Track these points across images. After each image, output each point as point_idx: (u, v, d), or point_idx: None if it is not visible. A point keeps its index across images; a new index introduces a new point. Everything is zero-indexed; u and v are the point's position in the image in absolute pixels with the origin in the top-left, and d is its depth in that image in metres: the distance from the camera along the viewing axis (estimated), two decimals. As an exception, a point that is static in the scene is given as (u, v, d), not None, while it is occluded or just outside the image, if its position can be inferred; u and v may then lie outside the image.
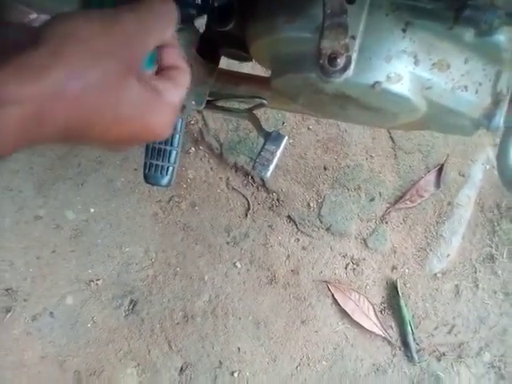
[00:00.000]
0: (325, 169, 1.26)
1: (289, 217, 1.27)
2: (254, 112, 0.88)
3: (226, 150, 1.24)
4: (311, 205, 1.26)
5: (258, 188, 1.27)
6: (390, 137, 1.28)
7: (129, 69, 0.32)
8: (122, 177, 1.26)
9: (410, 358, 1.26)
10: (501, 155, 0.79)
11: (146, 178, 0.80)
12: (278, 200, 1.26)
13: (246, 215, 1.26)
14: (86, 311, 1.24)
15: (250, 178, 1.26)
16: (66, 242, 1.24)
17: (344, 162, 1.26)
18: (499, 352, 1.28)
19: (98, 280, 1.24)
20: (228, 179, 1.26)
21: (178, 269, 1.26)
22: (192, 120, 1.25)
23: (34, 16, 1.04)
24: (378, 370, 1.26)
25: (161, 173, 0.80)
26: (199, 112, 1.25)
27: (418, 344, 1.27)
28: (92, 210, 1.25)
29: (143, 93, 0.33)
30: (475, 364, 1.28)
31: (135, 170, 1.26)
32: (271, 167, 0.84)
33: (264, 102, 0.78)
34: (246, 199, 1.26)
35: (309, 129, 1.26)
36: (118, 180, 1.26)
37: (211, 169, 1.26)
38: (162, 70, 0.38)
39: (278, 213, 1.27)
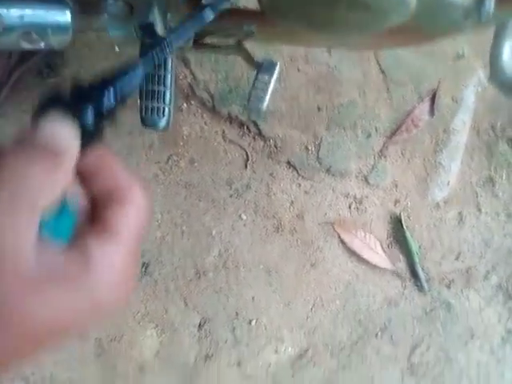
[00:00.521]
0: (319, 109, 1.25)
1: (288, 163, 1.27)
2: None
3: (218, 102, 1.23)
4: (309, 148, 1.26)
5: (254, 137, 1.26)
6: (381, 70, 1.28)
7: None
8: (118, 141, 1.24)
9: (420, 288, 1.29)
10: (493, 57, 0.79)
11: (143, 122, 0.80)
12: (275, 147, 1.26)
13: (246, 166, 1.26)
14: (98, 278, 1.24)
15: (245, 128, 1.26)
16: (69, 213, 1.24)
17: (337, 100, 1.26)
18: (506, 273, 1.31)
19: (106, 246, 1.24)
20: (224, 132, 1.26)
21: (184, 227, 1.26)
22: (180, 75, 1.23)
23: None
24: (390, 303, 1.29)
25: (157, 115, 0.80)
26: (186, 66, 1.23)
27: (426, 274, 1.29)
28: (91, 178, 1.25)
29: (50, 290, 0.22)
30: (483, 288, 1.31)
31: (130, 133, 1.25)
32: (267, 98, 0.84)
33: (252, 29, 0.77)
34: (244, 150, 1.26)
35: (298, 70, 1.24)
36: (115, 145, 1.24)
37: (205, 123, 1.25)
38: (95, 221, 0.25)
39: (277, 160, 1.27)
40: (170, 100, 0.81)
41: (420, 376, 1.27)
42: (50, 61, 1.24)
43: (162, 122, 0.80)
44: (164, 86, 0.80)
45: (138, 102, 0.82)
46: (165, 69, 0.79)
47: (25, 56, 1.20)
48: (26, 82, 1.23)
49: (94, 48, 1.24)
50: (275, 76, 0.85)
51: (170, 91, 0.80)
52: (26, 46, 0.84)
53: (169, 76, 0.80)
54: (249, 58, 0.89)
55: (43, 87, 1.24)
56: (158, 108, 0.80)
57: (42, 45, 0.86)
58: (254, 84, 0.85)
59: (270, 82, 0.84)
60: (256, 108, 0.83)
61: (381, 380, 1.26)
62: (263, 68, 0.84)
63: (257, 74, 0.84)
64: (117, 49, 1.24)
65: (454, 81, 1.33)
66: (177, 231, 1.26)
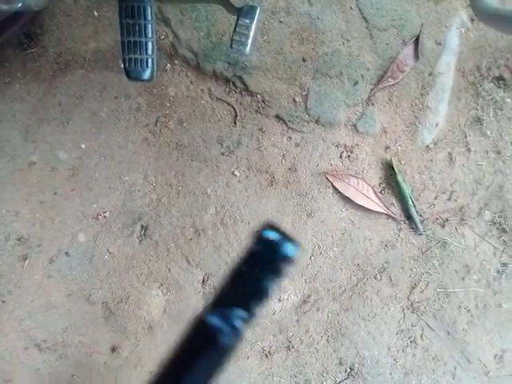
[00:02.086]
0: (304, 60, 1.25)
1: (277, 116, 1.27)
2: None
3: (202, 59, 1.23)
4: (297, 100, 1.27)
5: (241, 93, 1.26)
6: (363, 17, 1.27)
7: None
8: (105, 107, 1.25)
9: (415, 229, 1.32)
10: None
11: (128, 74, 0.80)
12: (263, 101, 1.27)
13: (235, 123, 1.27)
14: (100, 244, 1.27)
15: (231, 84, 1.26)
16: (65, 183, 1.25)
17: (321, 50, 1.25)
18: (498, 208, 1.34)
19: (104, 213, 1.26)
20: (210, 89, 1.26)
21: (179, 188, 1.28)
22: (162, 35, 1.22)
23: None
24: (386, 245, 1.32)
25: (141, 66, 0.80)
26: (167, 25, 1.22)
27: (420, 215, 1.32)
28: (83, 146, 1.25)
29: None
30: (478, 224, 1.34)
31: (116, 97, 1.25)
32: (249, 41, 0.84)
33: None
34: (232, 106, 1.26)
35: (280, 22, 1.24)
36: (102, 111, 1.25)
37: (191, 82, 1.25)
38: None
39: (266, 114, 1.27)
40: (153, 50, 0.81)
41: (421, 313, 1.31)
42: (29, 31, 1.22)
43: (147, 73, 0.81)
44: (145, 36, 0.80)
45: (121, 55, 0.82)
46: (144, 18, 0.79)
47: (3, 27, 1.18)
48: (6, 54, 1.22)
49: (72, 14, 1.23)
50: (256, 20, 0.85)
51: (152, 41, 0.81)
52: (3, 6, 0.84)
53: (149, 26, 0.80)
54: (228, 5, 0.89)
55: (24, 58, 1.23)
56: (142, 59, 0.80)
57: (19, 5, 0.85)
58: (235, 29, 0.85)
59: (251, 26, 0.84)
60: (239, 52, 0.83)
61: (383, 319, 1.31)
62: (244, 12, 0.84)
63: (238, 18, 0.85)
64: (95, 13, 1.23)
65: (437, 23, 1.32)
66: (172, 192, 1.27)
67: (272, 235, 0.22)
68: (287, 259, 0.21)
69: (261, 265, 0.21)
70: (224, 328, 0.20)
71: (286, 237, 0.22)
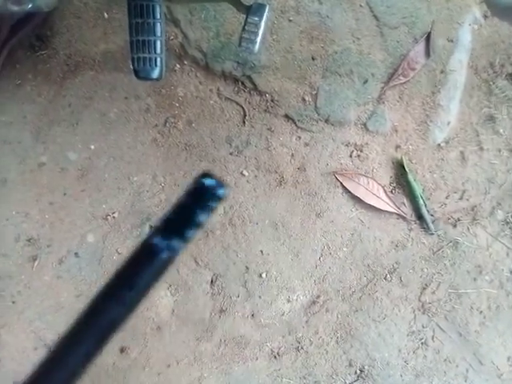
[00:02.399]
0: (313, 59, 1.24)
1: (286, 116, 1.27)
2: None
3: (211, 59, 1.23)
4: (306, 99, 1.26)
5: (250, 93, 1.26)
6: (373, 15, 1.26)
7: None
8: (115, 108, 1.25)
9: (426, 229, 1.30)
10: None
11: (137, 73, 0.80)
12: (272, 101, 1.26)
13: (244, 122, 1.27)
14: (108, 245, 1.27)
15: (240, 84, 1.25)
16: (74, 183, 1.26)
17: (331, 48, 1.24)
18: (511, 208, 1.32)
19: (113, 213, 1.27)
20: (219, 89, 1.25)
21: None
22: (171, 35, 1.22)
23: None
24: (397, 246, 1.30)
25: (150, 65, 0.80)
26: (176, 25, 1.22)
27: (432, 215, 1.30)
28: (92, 147, 1.26)
29: None
30: (490, 223, 1.32)
31: (125, 98, 1.25)
32: (258, 40, 0.83)
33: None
34: (241, 106, 1.26)
35: (290, 21, 1.23)
36: (111, 112, 1.25)
37: (200, 82, 1.25)
38: None
39: (275, 113, 1.26)
40: (162, 49, 0.81)
41: (432, 314, 1.29)
42: (40, 33, 1.23)
43: (156, 72, 0.81)
44: (154, 35, 0.79)
45: (130, 54, 0.82)
46: (153, 17, 0.78)
47: (15, 30, 1.19)
48: (17, 56, 1.23)
49: (82, 16, 1.24)
50: (265, 18, 0.85)
51: (161, 40, 0.80)
52: (14, 8, 0.84)
53: (158, 25, 0.80)
54: (237, 4, 0.88)
55: (35, 60, 1.24)
56: (150, 58, 0.80)
57: (30, 6, 0.85)
58: (244, 27, 0.84)
59: (260, 24, 0.83)
60: (248, 50, 0.83)
61: (393, 320, 1.29)
62: (253, 10, 0.84)
63: (246, 16, 0.84)
64: (105, 15, 1.24)
65: (449, 20, 1.31)
66: (181, 192, 1.27)
67: (208, 181, 0.29)
68: (218, 198, 0.29)
69: (196, 202, 0.29)
70: (162, 245, 0.27)
71: (218, 183, 0.29)
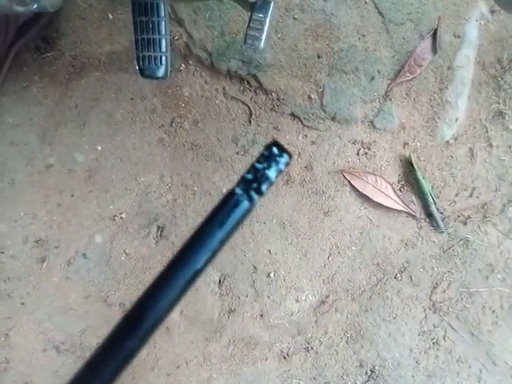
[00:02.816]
0: (319, 57, 1.23)
1: (292, 114, 1.26)
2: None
3: (216, 59, 1.22)
4: (312, 97, 1.25)
5: (256, 91, 1.25)
6: (379, 11, 1.25)
7: None
8: (121, 109, 1.25)
9: (436, 227, 1.28)
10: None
11: (142, 72, 0.80)
12: (278, 99, 1.25)
13: (250, 121, 1.26)
14: (116, 246, 1.27)
15: (246, 82, 1.25)
16: (82, 184, 1.26)
17: (337, 46, 1.24)
18: (523, 205, 1.30)
19: (121, 214, 1.26)
20: (224, 89, 1.25)
21: (195, 188, 1.27)
22: (175, 35, 1.22)
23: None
24: (406, 244, 1.29)
25: (155, 63, 0.80)
26: (181, 25, 1.22)
27: (441, 213, 1.29)
28: (99, 148, 1.26)
29: None
30: (501, 221, 1.30)
31: (131, 99, 1.25)
32: (263, 36, 0.83)
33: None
34: (247, 105, 1.25)
35: (295, 19, 1.22)
36: (117, 113, 1.25)
37: (205, 82, 1.25)
38: None
39: (281, 112, 1.26)
40: (167, 47, 0.80)
41: (443, 313, 1.27)
42: (46, 35, 1.24)
43: (161, 71, 0.80)
44: (159, 33, 0.79)
45: (135, 53, 0.82)
46: (158, 15, 0.78)
47: (21, 32, 1.20)
48: (24, 59, 1.24)
49: (87, 18, 1.24)
50: (270, 15, 0.84)
51: (166, 38, 0.80)
52: (19, 8, 0.84)
53: (163, 23, 0.79)
54: (242, 1, 0.88)
55: (41, 62, 1.25)
56: (155, 57, 0.80)
57: (35, 7, 0.86)
58: (249, 24, 0.84)
59: (265, 21, 0.83)
60: (253, 47, 0.82)
61: (404, 320, 1.28)
62: (257, 7, 0.83)
63: (251, 13, 0.84)
64: (110, 16, 1.24)
65: (455, 16, 1.29)
66: (188, 192, 1.27)
67: (275, 149, 0.35)
68: (285, 163, 0.35)
69: (269, 164, 0.35)
70: (244, 195, 0.34)
71: (284, 149, 0.35)
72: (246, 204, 0.34)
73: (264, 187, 0.35)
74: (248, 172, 0.35)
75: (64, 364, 1.26)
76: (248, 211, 0.35)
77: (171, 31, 1.21)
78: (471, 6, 1.28)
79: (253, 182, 0.35)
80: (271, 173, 0.35)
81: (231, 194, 0.35)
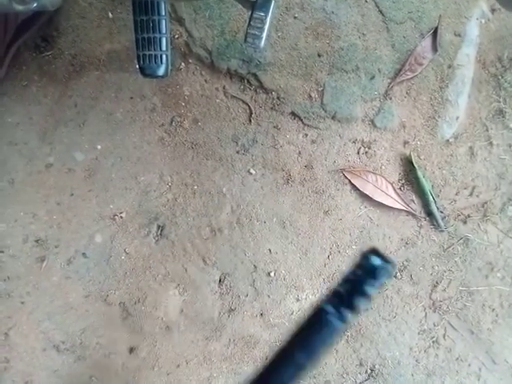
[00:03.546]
0: (319, 56, 1.23)
1: (292, 113, 1.26)
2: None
3: (216, 58, 1.22)
4: (312, 95, 1.25)
5: (256, 90, 1.25)
6: (379, 10, 1.24)
7: None
8: (121, 108, 1.25)
9: (436, 226, 1.28)
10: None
11: (142, 71, 0.79)
12: (278, 98, 1.25)
13: (250, 120, 1.26)
14: (116, 245, 1.27)
15: (246, 81, 1.25)
16: (81, 183, 1.26)
17: (337, 44, 1.23)
18: (523, 204, 1.30)
19: (121, 213, 1.26)
20: (224, 88, 1.25)
21: (195, 187, 1.27)
22: (176, 34, 1.22)
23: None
24: (407, 243, 1.29)
25: (155, 62, 0.79)
26: (181, 24, 1.22)
27: (441, 212, 1.29)
28: (99, 147, 1.26)
29: None
30: (501, 220, 1.30)
31: (131, 98, 1.25)
32: (264, 35, 0.83)
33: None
34: (247, 104, 1.25)
35: (295, 18, 1.22)
36: (117, 112, 1.25)
37: (205, 81, 1.25)
38: None
39: (281, 111, 1.26)
40: (167, 46, 0.80)
41: (443, 312, 1.28)
42: (45, 34, 1.23)
43: (161, 70, 0.80)
44: (159, 32, 0.79)
45: (135, 52, 0.82)
46: (158, 14, 0.78)
47: (20, 31, 1.20)
48: (23, 58, 1.24)
49: (86, 16, 1.24)
50: (271, 13, 0.84)
51: (166, 37, 0.80)
52: (19, 7, 0.84)
53: (163, 21, 0.79)
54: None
55: (41, 61, 1.24)
56: (156, 55, 0.80)
57: (35, 5, 0.85)
58: (249, 22, 0.84)
59: (266, 19, 0.83)
60: (253, 46, 0.82)
61: (404, 318, 1.28)
62: (258, 5, 0.83)
63: (252, 11, 0.83)
64: (110, 15, 1.24)
65: (456, 15, 1.29)
66: (188, 191, 1.27)
67: (375, 259, 0.30)
68: (387, 275, 0.30)
69: (365, 276, 0.30)
70: (335, 314, 0.29)
71: (385, 259, 0.31)
72: (337, 324, 0.29)
73: (360, 303, 0.30)
74: (340, 284, 0.30)
75: (64, 363, 1.26)
76: (339, 331, 0.30)
77: (171, 30, 1.21)
78: (472, 5, 1.28)
79: (346, 296, 0.30)
80: (369, 287, 0.30)
81: (320, 311, 0.30)
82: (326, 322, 0.29)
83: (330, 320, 0.29)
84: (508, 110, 1.28)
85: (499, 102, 1.28)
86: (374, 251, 0.31)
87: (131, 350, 1.26)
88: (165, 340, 1.26)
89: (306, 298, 1.26)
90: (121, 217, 1.26)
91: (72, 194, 1.26)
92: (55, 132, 1.25)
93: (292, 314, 1.26)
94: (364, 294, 0.29)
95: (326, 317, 0.29)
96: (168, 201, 1.27)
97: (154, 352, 1.26)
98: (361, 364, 1.29)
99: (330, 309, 0.29)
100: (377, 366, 1.29)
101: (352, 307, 0.29)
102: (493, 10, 1.27)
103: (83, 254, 1.27)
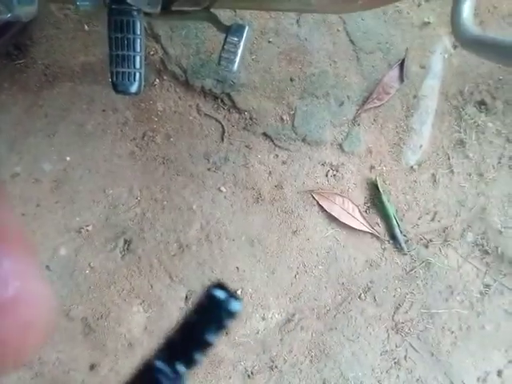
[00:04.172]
0: (291, 80, 1.27)
1: (264, 134, 1.28)
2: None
3: (191, 76, 1.24)
4: (284, 118, 1.28)
5: (229, 110, 1.27)
6: (350, 40, 1.30)
7: None
8: (92, 120, 1.24)
9: (399, 249, 1.33)
10: (454, 14, 0.82)
11: (115, 87, 0.80)
12: (250, 119, 1.28)
13: (222, 139, 1.28)
14: (81, 259, 1.24)
15: (219, 101, 1.27)
16: (48, 195, 1.24)
17: (309, 70, 1.28)
18: (480, 230, 1.36)
19: (87, 226, 1.24)
20: (198, 106, 1.26)
21: (164, 202, 1.27)
22: (151, 51, 1.23)
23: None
24: (371, 265, 1.32)
25: (128, 79, 0.80)
26: (157, 41, 1.23)
27: (405, 235, 1.33)
28: (68, 159, 1.24)
29: None
30: (461, 245, 1.35)
31: (103, 111, 1.25)
32: (237, 59, 0.85)
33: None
34: (220, 123, 1.27)
35: (269, 42, 1.26)
36: (88, 124, 1.24)
37: (179, 98, 1.26)
38: None
39: (253, 131, 1.28)
40: (141, 64, 0.81)
41: (405, 333, 1.31)
42: (19, 42, 1.22)
43: (134, 87, 0.81)
44: (134, 50, 0.80)
45: (109, 68, 0.83)
46: (134, 32, 0.79)
47: (-8, 38, 1.18)
48: (-5, 65, 1.22)
49: (62, 27, 1.24)
50: (244, 38, 0.87)
51: (140, 56, 0.81)
52: (-8, 17, 0.83)
53: (138, 40, 0.80)
54: (218, 23, 0.90)
55: (12, 69, 1.23)
56: (129, 73, 0.80)
57: (8, 16, 0.85)
58: (223, 46, 0.86)
59: (239, 44, 0.85)
60: (227, 69, 0.84)
61: (367, 339, 1.30)
62: (232, 30, 0.86)
63: (226, 36, 0.86)
64: (86, 27, 1.24)
65: (421, 48, 1.36)
66: (157, 207, 1.26)
67: (219, 293, 0.25)
68: (231, 315, 0.25)
69: (207, 319, 0.25)
70: (168, 372, 0.24)
71: (231, 295, 0.25)
72: (167, 383, 0.24)
73: (198, 354, 0.25)
74: (176, 331, 0.25)
75: (20, 380, 1.21)
76: None
77: (147, 46, 1.23)
78: (436, 40, 1.35)
79: (182, 347, 0.25)
80: (210, 334, 0.25)
81: (149, 368, 0.25)
82: (155, 382, 0.24)
83: (161, 380, 0.24)
84: (468, 140, 1.35)
85: (460, 132, 1.35)
86: (218, 285, 0.26)
87: (92, 366, 1.23)
88: (127, 357, 1.23)
89: (271, 317, 1.27)
90: (87, 230, 1.24)
91: (38, 205, 1.23)
92: (24, 141, 1.23)
93: (258, 332, 1.26)
94: (205, 342, 0.25)
95: (157, 376, 0.24)
96: (136, 215, 1.26)
97: (116, 369, 1.23)
98: (324, 384, 1.30)
99: (160, 365, 0.24)
100: (339, 387, 1.30)
101: (189, 360, 0.25)
102: (455, 46, 1.35)
103: (47, 266, 1.24)
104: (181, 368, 0.24)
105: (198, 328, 0.25)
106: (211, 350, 0.25)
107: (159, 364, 0.24)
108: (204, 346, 0.25)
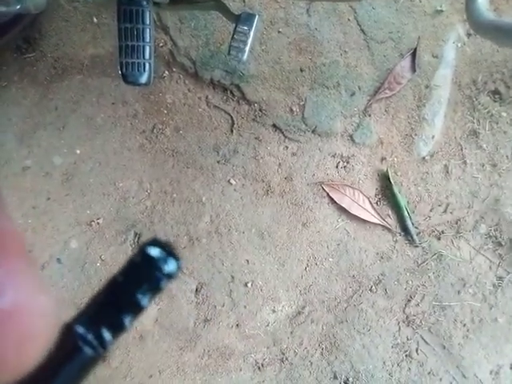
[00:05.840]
0: (301, 70, 1.26)
1: (274, 125, 1.27)
2: (220, -1, 0.87)
3: (200, 67, 1.23)
4: (294, 109, 1.27)
5: (238, 101, 1.26)
6: (361, 29, 1.28)
7: None
8: (102, 113, 1.24)
9: (411, 241, 1.31)
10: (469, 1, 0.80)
11: (125, 78, 0.80)
12: (260, 110, 1.27)
13: (232, 131, 1.27)
14: (92, 252, 1.25)
15: (229, 92, 1.26)
16: (58, 188, 1.24)
17: (319, 60, 1.26)
18: (493, 222, 1.34)
19: (98, 219, 1.25)
20: (207, 97, 1.26)
21: (174, 195, 1.27)
22: (160, 42, 1.22)
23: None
24: (382, 257, 1.31)
25: (138, 70, 0.80)
26: (166, 33, 1.22)
27: (416, 227, 1.31)
28: (78, 152, 1.24)
29: None
30: (473, 237, 1.34)
31: (113, 103, 1.24)
32: (247, 48, 0.84)
33: (228, -24, 0.77)
34: (229, 115, 1.26)
35: (279, 32, 1.24)
36: (98, 117, 1.24)
37: (189, 90, 1.25)
38: None
39: (263, 123, 1.27)
40: (150, 55, 0.81)
41: (416, 326, 1.30)
42: (28, 35, 1.22)
43: (144, 78, 0.81)
44: (143, 40, 0.79)
45: (118, 59, 0.82)
46: (143, 22, 0.79)
47: (1, 31, 1.18)
48: (4, 58, 1.22)
49: (71, 20, 1.23)
50: (254, 27, 0.85)
51: (150, 46, 0.80)
52: (1, 8, 0.83)
53: (147, 30, 0.80)
54: (227, 12, 0.89)
55: (22, 63, 1.23)
56: (139, 63, 0.80)
57: (18, 7, 0.85)
58: (233, 36, 0.85)
59: (249, 33, 0.84)
60: (236, 58, 0.83)
61: (378, 332, 1.29)
62: (242, 19, 0.85)
63: (236, 25, 0.85)
64: (95, 20, 1.23)
65: (434, 37, 1.34)
66: (167, 199, 1.26)
67: (154, 251, 0.22)
68: (167, 276, 0.22)
69: (138, 279, 0.21)
70: (90, 338, 0.20)
71: (168, 254, 0.22)
72: (90, 353, 0.20)
73: (127, 319, 0.21)
74: (101, 291, 0.21)
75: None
76: (94, 362, 0.21)
77: (156, 38, 1.22)
78: (449, 29, 1.32)
79: (108, 310, 0.21)
80: (142, 295, 0.21)
81: (68, 332, 0.20)
82: (76, 350, 0.20)
83: (82, 348, 0.20)
84: (481, 130, 1.32)
85: (473, 122, 1.32)
86: (154, 242, 0.22)
87: (103, 359, 1.23)
88: (138, 349, 1.24)
89: (281, 310, 1.26)
90: (98, 223, 1.25)
91: (48, 198, 1.24)
92: (34, 135, 1.23)
93: (268, 325, 1.26)
94: (135, 305, 0.21)
95: (77, 343, 0.20)
96: (146, 208, 1.26)
97: (127, 361, 1.24)
98: (335, 377, 1.30)
99: (81, 330, 0.20)
100: (350, 379, 1.30)
101: (116, 325, 0.21)
102: (468, 35, 1.33)
103: (58, 259, 1.24)
104: (106, 334, 0.21)
105: (127, 288, 0.21)
106: (141, 314, 0.21)
107: (80, 329, 0.20)
108: (134, 309, 0.21)
